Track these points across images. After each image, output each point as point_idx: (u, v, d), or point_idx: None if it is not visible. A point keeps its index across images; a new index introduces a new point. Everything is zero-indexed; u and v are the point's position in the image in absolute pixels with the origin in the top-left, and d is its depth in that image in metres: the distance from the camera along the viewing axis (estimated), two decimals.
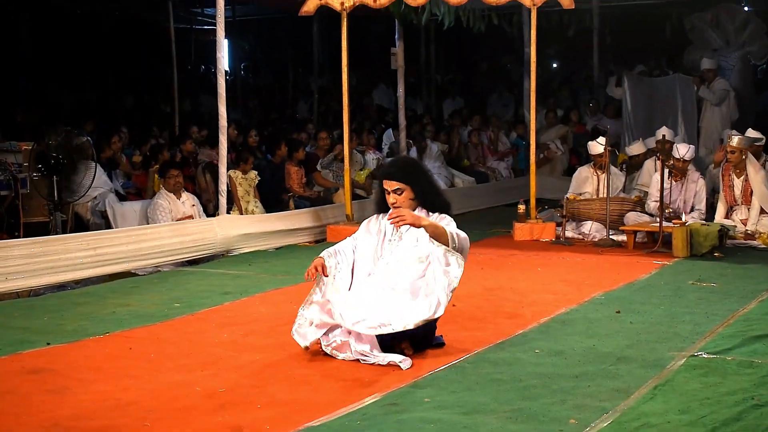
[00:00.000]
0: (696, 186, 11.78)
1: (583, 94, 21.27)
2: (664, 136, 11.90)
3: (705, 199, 11.79)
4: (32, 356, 6.43)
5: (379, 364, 5.97)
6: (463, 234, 6.32)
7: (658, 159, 11.54)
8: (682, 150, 11.63)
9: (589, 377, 5.70)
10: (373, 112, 21.00)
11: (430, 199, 6.48)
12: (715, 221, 11.37)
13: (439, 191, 6.68)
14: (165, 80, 18.57)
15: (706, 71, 15.54)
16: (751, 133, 12.19)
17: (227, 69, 22.73)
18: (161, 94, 21.41)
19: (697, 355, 6.16)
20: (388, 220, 6.24)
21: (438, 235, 6.18)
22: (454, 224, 6.43)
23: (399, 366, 5.91)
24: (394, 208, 6.42)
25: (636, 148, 13.34)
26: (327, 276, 6.36)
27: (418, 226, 6.19)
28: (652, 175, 12.03)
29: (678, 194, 11.69)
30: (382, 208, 6.60)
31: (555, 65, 25.90)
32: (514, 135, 18.52)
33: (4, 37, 19.22)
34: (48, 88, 21.44)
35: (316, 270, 6.32)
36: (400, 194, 6.39)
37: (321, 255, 6.47)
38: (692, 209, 11.67)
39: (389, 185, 6.43)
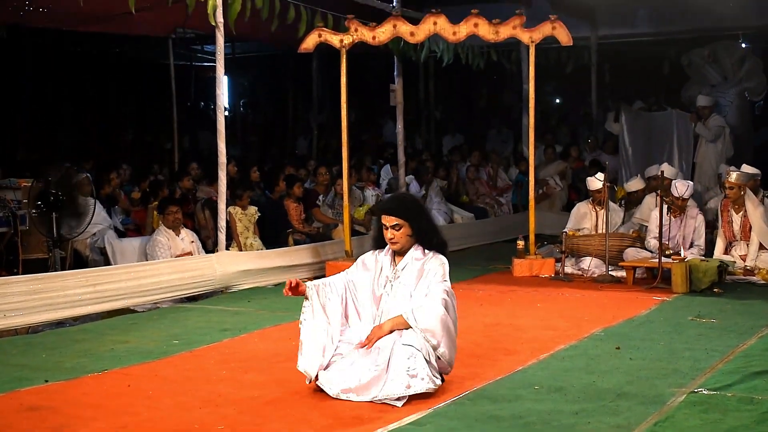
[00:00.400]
0: (695, 222, 11.79)
1: (582, 131, 21.34)
2: (662, 172, 11.92)
3: (704, 235, 11.80)
4: (30, 393, 6.40)
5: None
6: (439, 306, 6.23)
7: (658, 195, 11.56)
8: (681, 188, 11.65)
9: (589, 414, 5.68)
10: (372, 148, 21.05)
11: (428, 237, 6.47)
12: (714, 257, 11.37)
13: (437, 230, 6.64)
14: (165, 117, 18.62)
15: (702, 108, 15.60)
16: (747, 168, 12.22)
17: (227, 105, 22.87)
18: (161, 131, 21.49)
19: (697, 392, 6.14)
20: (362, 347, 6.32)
21: (402, 325, 6.24)
22: (446, 267, 6.39)
23: (394, 405, 5.91)
24: (392, 243, 6.42)
25: (635, 184, 13.36)
26: (304, 293, 6.36)
27: (383, 336, 6.24)
28: (651, 210, 12.04)
29: (677, 230, 11.71)
30: (380, 243, 6.60)
31: (558, 101, 26.02)
32: (516, 171, 18.49)
33: (5, 76, 19.28)
34: (48, 126, 21.51)
35: (291, 285, 6.30)
36: (398, 230, 6.38)
37: (307, 284, 6.45)
38: (691, 245, 11.69)
39: (388, 220, 6.42)
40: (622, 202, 13.27)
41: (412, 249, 6.45)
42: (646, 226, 12.12)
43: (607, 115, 17.76)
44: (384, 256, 6.55)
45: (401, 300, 6.36)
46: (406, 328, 6.19)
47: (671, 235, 11.61)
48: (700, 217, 11.87)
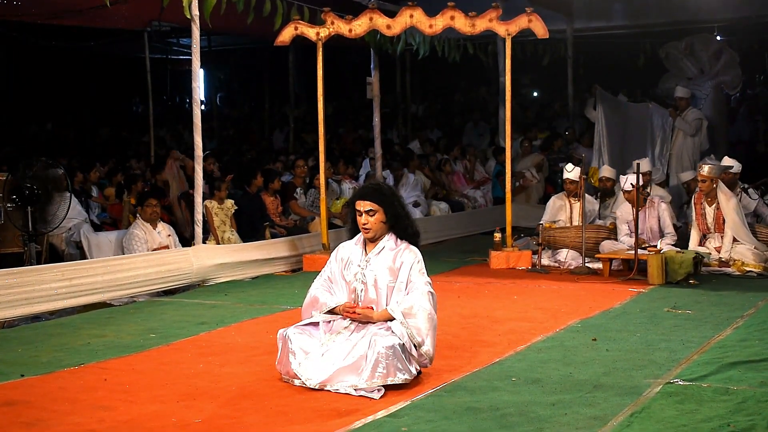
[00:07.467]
0: (656, 211, 11.78)
1: (559, 123, 21.34)
2: (638, 165, 11.92)
3: (671, 223, 11.81)
4: (6, 388, 6.37)
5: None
6: (426, 302, 6.27)
7: (633, 186, 11.56)
8: (628, 186, 11.57)
9: (566, 405, 5.70)
10: (349, 143, 21.06)
11: (401, 225, 6.47)
12: (689, 249, 11.40)
13: (411, 219, 6.64)
14: (141, 111, 18.59)
15: (679, 99, 15.62)
16: (725, 161, 12.27)
17: (203, 99, 22.79)
18: (137, 125, 21.42)
19: (673, 383, 6.18)
20: (344, 312, 6.38)
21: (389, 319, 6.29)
22: (422, 262, 6.42)
23: (371, 397, 5.92)
24: (365, 230, 6.42)
25: (607, 171, 13.30)
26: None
27: (369, 320, 6.32)
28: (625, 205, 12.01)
29: (643, 223, 11.69)
30: (355, 234, 6.62)
31: (535, 94, 26.08)
32: (494, 164, 18.38)
33: None
34: (23, 120, 21.40)
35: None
36: (372, 215, 6.38)
37: (322, 299, 6.52)
38: (662, 235, 11.70)
39: (362, 205, 6.41)
40: (598, 194, 13.29)
41: (385, 237, 6.46)
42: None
43: (587, 101, 17.74)
44: (355, 245, 6.56)
45: (373, 288, 6.39)
46: (391, 320, 6.21)
47: (641, 229, 11.61)
48: (663, 205, 11.86)
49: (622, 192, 11.92)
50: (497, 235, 12.21)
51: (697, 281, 10.50)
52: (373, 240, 6.48)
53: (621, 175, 12.21)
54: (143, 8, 14.12)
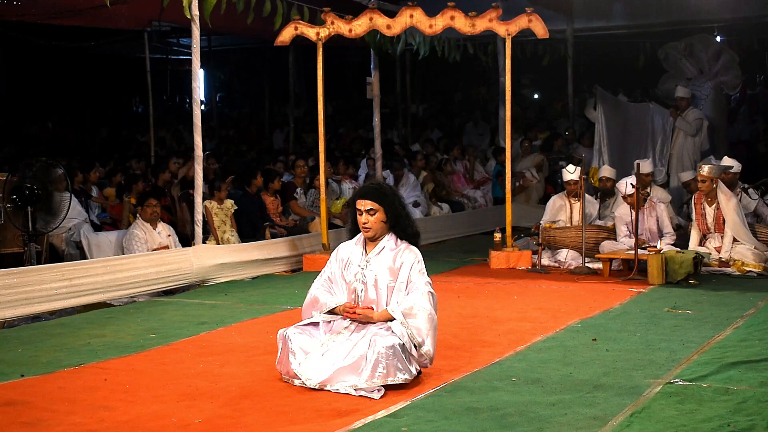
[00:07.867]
0: (656, 212, 11.78)
1: (559, 124, 21.35)
2: (638, 165, 11.92)
3: (669, 223, 11.81)
4: (6, 388, 6.36)
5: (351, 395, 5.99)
6: (427, 303, 6.27)
7: (633, 187, 11.56)
8: (629, 189, 11.57)
9: (566, 405, 5.70)
10: (347, 143, 21.07)
11: (401, 225, 6.47)
12: (689, 249, 11.40)
13: (411, 219, 6.64)
14: (141, 111, 18.61)
15: (680, 99, 15.61)
16: (725, 161, 12.26)
17: (203, 99, 22.80)
18: (137, 125, 21.41)
19: (673, 383, 6.18)
20: (344, 312, 6.39)
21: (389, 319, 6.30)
22: (422, 262, 6.43)
23: (371, 397, 5.92)
24: (365, 229, 6.42)
25: (607, 171, 13.28)
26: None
27: (369, 320, 6.32)
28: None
29: (642, 224, 11.69)
30: (355, 234, 6.62)
31: (536, 96, 26.08)
32: (494, 164, 18.39)
33: None
34: (23, 120, 21.40)
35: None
36: (372, 215, 6.38)
37: (322, 299, 6.52)
38: (662, 235, 11.69)
39: (363, 204, 6.41)
40: (598, 194, 13.28)
41: (385, 237, 6.46)
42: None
43: (587, 102, 17.72)
44: (355, 245, 6.57)
45: (373, 288, 6.40)
46: (392, 320, 6.22)
47: (639, 230, 11.59)
48: (662, 206, 11.85)
49: (621, 196, 11.90)
50: (497, 235, 12.21)
51: (697, 281, 10.51)
52: (373, 240, 6.48)
53: (619, 181, 12.18)
54: (143, 8, 14.11)
